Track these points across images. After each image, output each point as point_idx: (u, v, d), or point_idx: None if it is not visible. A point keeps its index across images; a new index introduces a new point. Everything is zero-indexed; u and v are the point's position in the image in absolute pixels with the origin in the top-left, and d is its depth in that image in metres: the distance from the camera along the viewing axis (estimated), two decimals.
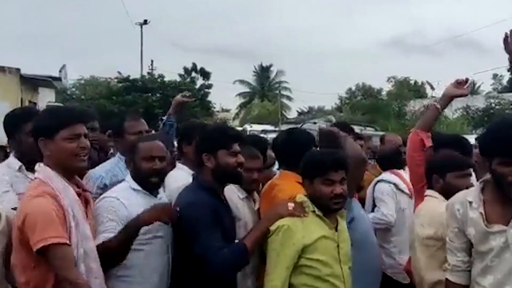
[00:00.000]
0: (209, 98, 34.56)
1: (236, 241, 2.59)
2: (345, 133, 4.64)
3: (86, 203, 2.41)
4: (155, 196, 2.67)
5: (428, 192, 2.94)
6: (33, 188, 2.22)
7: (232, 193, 3.05)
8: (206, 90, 35.28)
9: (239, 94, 51.89)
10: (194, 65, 39.80)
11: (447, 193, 2.73)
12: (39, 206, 2.12)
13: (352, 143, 3.01)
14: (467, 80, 3.21)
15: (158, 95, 27.06)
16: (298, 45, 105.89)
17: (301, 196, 2.55)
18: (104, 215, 2.46)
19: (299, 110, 49.89)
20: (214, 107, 39.44)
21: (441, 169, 2.90)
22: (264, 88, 51.52)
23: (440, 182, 2.88)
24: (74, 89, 36.39)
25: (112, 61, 78.51)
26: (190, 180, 2.83)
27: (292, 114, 49.53)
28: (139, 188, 2.61)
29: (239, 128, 29.78)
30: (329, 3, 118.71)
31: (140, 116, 3.47)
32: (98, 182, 3.07)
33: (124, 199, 2.53)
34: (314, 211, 2.51)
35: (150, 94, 26.50)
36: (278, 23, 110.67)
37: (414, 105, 22.86)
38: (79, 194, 2.34)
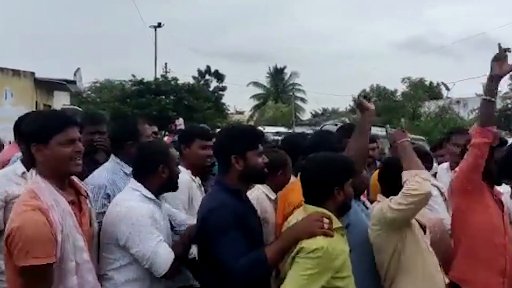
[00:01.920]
0: (223, 101, 34.68)
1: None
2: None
3: (80, 209, 2.33)
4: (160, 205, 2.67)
5: None
6: (25, 200, 2.14)
7: (262, 194, 3.13)
8: (220, 92, 35.35)
9: (253, 96, 51.94)
10: (208, 67, 39.87)
11: None
12: (28, 222, 2.05)
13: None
14: (507, 50, 2.96)
15: (172, 97, 27.14)
16: (312, 47, 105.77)
17: (328, 212, 2.40)
18: (147, 224, 2.43)
19: (313, 112, 49.84)
20: (228, 110, 39.58)
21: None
22: (278, 90, 51.50)
23: None
24: (89, 92, 36.85)
25: (127, 65, 79.09)
26: (191, 182, 2.83)
27: (306, 116, 49.54)
28: (152, 197, 2.57)
29: None
30: (342, 5, 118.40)
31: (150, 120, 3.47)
32: (102, 194, 2.94)
33: (150, 208, 2.52)
34: (340, 227, 2.42)
35: (164, 97, 26.60)
36: (292, 26, 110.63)
37: (429, 106, 22.62)
38: (73, 202, 2.29)
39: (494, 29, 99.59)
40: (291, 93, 49.49)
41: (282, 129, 26.69)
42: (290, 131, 25.95)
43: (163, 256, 2.39)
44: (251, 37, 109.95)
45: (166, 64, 35.43)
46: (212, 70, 40.24)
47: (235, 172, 2.53)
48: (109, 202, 2.85)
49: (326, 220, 2.32)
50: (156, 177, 2.58)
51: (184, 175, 2.97)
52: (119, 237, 2.42)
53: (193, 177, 3.24)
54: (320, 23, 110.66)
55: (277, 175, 3.15)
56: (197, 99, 27.98)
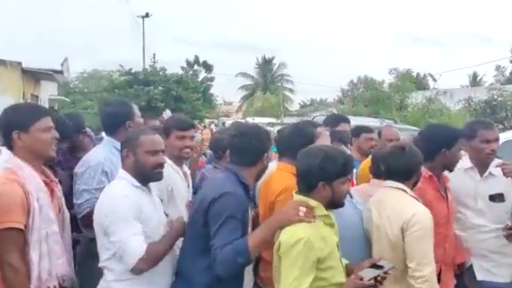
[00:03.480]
0: (211, 91, 34.65)
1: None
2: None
3: (52, 191, 2.56)
4: (150, 192, 2.66)
5: None
6: (3, 176, 2.38)
7: None
8: (209, 83, 35.34)
9: (242, 87, 51.93)
10: (197, 58, 39.82)
11: None
12: (6, 191, 2.31)
13: None
14: None
15: (160, 88, 27.10)
16: (301, 37, 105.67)
17: (312, 201, 2.40)
18: (125, 215, 2.42)
19: (301, 103, 49.96)
20: (217, 100, 39.53)
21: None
22: (267, 80, 51.52)
23: None
24: (77, 83, 36.55)
25: (115, 55, 78.49)
26: (170, 173, 2.90)
27: (294, 107, 49.63)
28: (138, 184, 2.56)
29: (241, 121, 29.90)
30: None
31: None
32: (100, 171, 3.05)
33: (135, 197, 2.50)
34: (326, 216, 2.42)
35: (152, 87, 26.54)
36: (281, 16, 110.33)
37: (416, 97, 22.80)
38: (46, 183, 2.52)
39: (482, 20, 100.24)
40: (279, 84, 49.55)
41: (270, 120, 26.79)
42: (279, 121, 26.07)
43: (133, 249, 2.38)
44: (240, 28, 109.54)
45: (154, 54, 35.28)
46: (201, 60, 40.25)
47: (254, 171, 2.66)
48: (107, 179, 3.00)
49: (303, 208, 2.33)
50: (125, 164, 2.60)
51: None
52: (104, 225, 2.45)
53: (176, 168, 3.24)
54: (309, 14, 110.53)
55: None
56: (186, 90, 27.96)
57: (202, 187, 2.70)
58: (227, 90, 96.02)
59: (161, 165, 2.63)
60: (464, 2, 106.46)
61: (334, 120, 4.95)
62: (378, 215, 2.82)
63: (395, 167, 2.88)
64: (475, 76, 42.40)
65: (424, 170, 3.10)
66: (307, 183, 2.43)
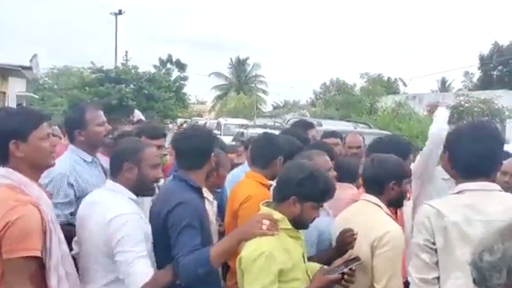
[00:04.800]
0: (185, 91, 34.34)
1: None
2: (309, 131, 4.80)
3: None
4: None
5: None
6: (12, 196, 2.13)
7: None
8: (182, 82, 34.99)
9: (215, 87, 51.78)
10: (170, 56, 39.43)
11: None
12: (26, 215, 2.07)
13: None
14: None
15: (132, 86, 26.79)
16: (275, 39, 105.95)
17: (277, 214, 2.37)
18: (137, 233, 2.34)
19: (274, 104, 50.10)
20: (190, 100, 39.24)
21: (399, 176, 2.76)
22: (240, 81, 51.49)
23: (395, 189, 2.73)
24: (46, 79, 35.79)
25: (87, 52, 77.17)
26: None
27: (267, 108, 49.76)
28: (135, 197, 2.51)
29: (214, 121, 29.83)
30: None
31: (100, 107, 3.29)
32: (65, 183, 2.87)
33: (139, 214, 2.44)
34: (290, 229, 2.38)
35: (123, 86, 26.21)
36: (256, 17, 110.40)
37: (386, 101, 23.18)
38: None
39: (450, 26, 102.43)
40: (253, 85, 49.60)
41: (243, 121, 26.75)
42: (251, 123, 26.09)
43: (139, 272, 2.29)
44: (214, 27, 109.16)
45: (126, 52, 34.90)
46: (174, 59, 39.85)
47: (203, 173, 2.66)
48: (73, 191, 2.86)
49: (266, 221, 2.29)
50: (123, 176, 2.49)
51: None
52: (111, 243, 2.32)
53: None
54: (284, 16, 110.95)
55: (210, 176, 3.08)
56: (158, 89, 27.70)
57: (156, 200, 2.65)
58: (200, 89, 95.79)
59: (158, 180, 2.67)
60: (436, 8, 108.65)
61: (302, 126, 5.01)
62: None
63: (366, 179, 2.83)
64: (444, 81, 43.33)
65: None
66: (281, 193, 2.41)
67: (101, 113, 3.15)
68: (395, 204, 2.81)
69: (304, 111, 26.42)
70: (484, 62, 34.59)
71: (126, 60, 31.89)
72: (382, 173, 2.74)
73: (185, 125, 29.35)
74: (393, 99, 23.99)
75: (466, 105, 22.45)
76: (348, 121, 12.91)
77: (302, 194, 2.35)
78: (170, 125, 26.67)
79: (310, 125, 5.16)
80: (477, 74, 37.62)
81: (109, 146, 3.09)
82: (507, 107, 22.17)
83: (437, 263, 2.18)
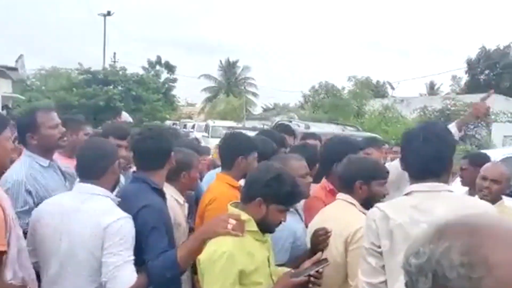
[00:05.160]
0: (174, 92, 34.25)
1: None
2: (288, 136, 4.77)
3: None
4: None
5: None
6: None
7: (171, 199, 3.00)
8: (171, 84, 34.90)
9: (205, 89, 51.67)
10: (159, 58, 39.28)
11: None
12: None
13: None
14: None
15: (119, 88, 26.68)
16: (265, 42, 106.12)
17: (244, 214, 2.31)
18: (129, 239, 2.33)
19: (264, 107, 50.06)
20: (179, 102, 39.13)
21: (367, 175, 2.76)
22: (230, 83, 51.43)
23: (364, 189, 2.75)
24: (34, 80, 35.53)
25: (76, 53, 76.72)
26: None
27: (257, 110, 49.70)
28: (116, 199, 2.51)
29: (202, 123, 29.76)
30: (298, 2, 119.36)
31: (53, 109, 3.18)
32: (23, 190, 2.73)
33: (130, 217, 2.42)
34: (256, 231, 2.32)
35: (111, 87, 26.10)
36: (246, 19, 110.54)
37: (373, 105, 23.28)
38: None
39: (440, 30, 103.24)
40: (242, 87, 49.55)
41: (231, 123, 26.70)
42: (240, 125, 26.07)
43: (125, 276, 2.26)
44: (204, 29, 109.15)
45: (114, 53, 34.78)
46: (163, 61, 39.68)
47: (163, 173, 2.63)
48: (31, 198, 2.74)
49: (232, 221, 2.25)
50: (109, 179, 2.48)
51: None
52: (100, 247, 2.29)
53: None
54: (274, 18, 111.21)
55: (180, 177, 3.10)
56: (146, 90, 27.61)
57: (119, 204, 2.56)
58: (190, 91, 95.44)
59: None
60: (426, 13, 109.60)
61: (283, 131, 4.93)
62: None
63: (338, 177, 2.85)
64: (432, 85, 43.63)
65: (325, 182, 3.14)
66: (248, 193, 2.36)
67: (54, 115, 3.03)
68: (366, 206, 2.74)
69: (293, 114, 26.43)
70: (472, 66, 34.88)
71: (114, 62, 31.74)
72: (349, 172, 2.80)
73: (174, 127, 29.40)
74: (380, 102, 24.12)
75: (453, 108, 22.62)
76: (337, 123, 12.81)
77: (267, 195, 2.29)
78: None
79: (288, 131, 5.06)
80: (464, 78, 37.93)
81: (66, 148, 3.05)
82: (492, 111, 22.37)
83: (383, 266, 2.15)
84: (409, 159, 2.26)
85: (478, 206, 2.19)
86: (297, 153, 3.29)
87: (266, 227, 2.35)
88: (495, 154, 5.25)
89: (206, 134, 23.07)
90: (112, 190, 2.53)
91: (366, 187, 2.75)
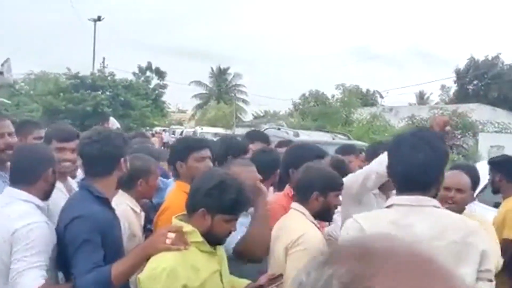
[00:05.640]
0: (164, 99, 34.17)
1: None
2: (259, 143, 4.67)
3: None
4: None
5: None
6: None
7: (127, 208, 2.89)
8: (161, 90, 34.83)
9: (195, 96, 51.66)
10: (149, 64, 39.28)
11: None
12: None
13: None
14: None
15: (108, 93, 26.50)
16: (256, 49, 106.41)
17: (188, 226, 2.19)
18: (38, 244, 2.23)
19: (255, 114, 50.11)
20: (169, 108, 39.05)
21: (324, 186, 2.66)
22: (221, 90, 51.45)
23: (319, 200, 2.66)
24: (23, 84, 35.29)
25: (66, 57, 76.36)
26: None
27: (248, 118, 49.75)
28: (43, 204, 2.44)
29: (191, 130, 29.66)
30: (289, 9, 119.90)
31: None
32: None
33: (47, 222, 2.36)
34: (201, 242, 2.20)
35: (99, 92, 25.92)
36: (237, 26, 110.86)
37: (361, 113, 23.33)
38: None
39: (428, 39, 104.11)
40: (233, 94, 49.58)
41: (220, 130, 26.67)
42: (227, 132, 26.01)
43: (24, 284, 2.16)
44: (195, 36, 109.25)
45: (104, 58, 34.61)
46: (154, 67, 39.69)
47: (112, 180, 2.46)
48: None
49: (171, 235, 2.13)
50: (40, 184, 2.40)
51: None
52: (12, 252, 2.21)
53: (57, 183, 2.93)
54: (265, 26, 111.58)
55: (137, 184, 2.97)
56: (135, 96, 27.47)
57: (60, 212, 2.45)
58: (181, 98, 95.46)
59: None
60: (417, 21, 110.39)
61: (250, 138, 4.74)
62: (272, 241, 2.64)
63: (295, 186, 2.76)
64: (422, 94, 43.84)
65: (288, 189, 3.04)
66: (191, 204, 2.24)
67: (2, 124, 2.94)
68: (321, 217, 2.71)
69: (281, 122, 26.41)
70: (460, 76, 35.11)
71: (103, 67, 31.58)
72: (307, 182, 2.68)
73: (163, 133, 29.26)
74: (369, 111, 24.17)
75: None
76: (327, 131, 12.54)
77: (210, 205, 2.17)
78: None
79: (261, 138, 4.79)
80: (453, 87, 38.15)
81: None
82: (479, 121, 22.49)
83: None
84: (395, 167, 2.06)
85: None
86: (257, 159, 3.22)
87: (213, 239, 2.23)
88: (482, 166, 5.09)
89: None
90: (44, 197, 2.43)
91: (323, 198, 2.66)
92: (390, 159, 2.10)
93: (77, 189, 3.26)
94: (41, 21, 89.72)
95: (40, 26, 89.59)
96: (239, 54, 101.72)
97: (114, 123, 21.02)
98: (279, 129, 11.30)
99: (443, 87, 40.02)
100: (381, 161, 2.84)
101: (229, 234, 2.28)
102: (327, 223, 3.11)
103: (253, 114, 51.02)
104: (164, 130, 32.69)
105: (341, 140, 9.94)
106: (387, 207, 2.05)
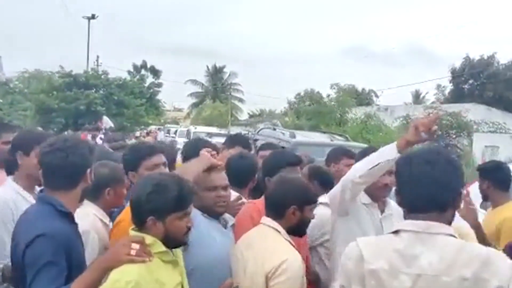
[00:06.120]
0: (159, 97, 33.99)
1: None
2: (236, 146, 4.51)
3: None
4: None
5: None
6: None
7: (96, 219, 2.74)
8: (156, 88, 34.67)
9: (191, 94, 51.54)
10: (144, 62, 39.13)
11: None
12: None
13: None
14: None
15: (101, 92, 26.30)
16: (252, 47, 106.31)
17: (148, 237, 2.10)
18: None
19: (251, 113, 49.98)
20: (164, 106, 38.82)
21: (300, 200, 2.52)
22: (217, 89, 51.32)
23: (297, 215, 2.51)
24: (17, 82, 35.09)
25: (60, 55, 76.10)
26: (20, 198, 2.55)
27: (244, 116, 49.63)
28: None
29: (184, 129, 29.49)
30: (285, 8, 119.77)
31: None
32: None
33: None
34: (164, 252, 2.13)
35: (93, 91, 25.72)
36: (233, 25, 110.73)
37: (356, 113, 23.23)
38: None
39: (421, 38, 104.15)
40: (229, 93, 49.45)
41: (214, 129, 26.52)
42: (221, 132, 25.88)
43: None
44: (192, 34, 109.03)
45: (98, 57, 34.44)
46: (149, 65, 39.53)
47: (76, 194, 2.26)
48: None
49: (135, 246, 2.02)
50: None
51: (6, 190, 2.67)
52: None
53: (25, 193, 2.77)
54: (261, 25, 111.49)
55: (104, 194, 2.82)
56: (129, 95, 27.28)
57: (15, 229, 2.27)
58: (177, 96, 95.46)
59: None
60: (414, 21, 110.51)
61: (230, 142, 4.44)
62: (242, 258, 2.48)
63: (267, 200, 2.57)
64: (417, 94, 43.79)
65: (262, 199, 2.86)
66: (136, 217, 2.13)
67: None
68: (296, 232, 2.55)
69: (276, 121, 26.30)
70: (456, 75, 35.04)
71: (98, 65, 31.40)
72: (282, 196, 2.51)
73: (157, 132, 29.10)
74: (364, 110, 24.07)
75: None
76: (324, 132, 12.17)
77: (156, 210, 2.08)
78: (138, 133, 26.15)
79: (239, 142, 4.43)
80: (449, 87, 38.08)
81: None
82: (474, 121, 22.43)
83: None
84: (407, 185, 1.84)
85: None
86: (233, 164, 3.10)
87: (173, 241, 2.14)
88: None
89: (187, 140, 22.87)
90: None
91: (299, 212, 2.50)
92: (400, 177, 1.88)
93: None
94: (35, 19, 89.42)
95: (35, 24, 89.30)
96: (235, 53, 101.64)
97: (107, 122, 20.86)
98: (274, 129, 11.13)
99: (438, 86, 39.99)
100: (357, 168, 2.75)
101: (188, 231, 2.17)
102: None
103: (249, 113, 50.94)
104: (159, 129, 32.54)
105: (340, 141, 9.62)
106: (394, 232, 1.83)
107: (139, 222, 2.13)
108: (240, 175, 3.20)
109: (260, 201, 2.97)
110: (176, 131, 28.96)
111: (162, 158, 2.91)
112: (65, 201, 2.21)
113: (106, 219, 2.85)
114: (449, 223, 1.80)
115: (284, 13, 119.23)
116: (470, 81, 35.48)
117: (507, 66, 33.26)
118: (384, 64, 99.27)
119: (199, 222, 2.46)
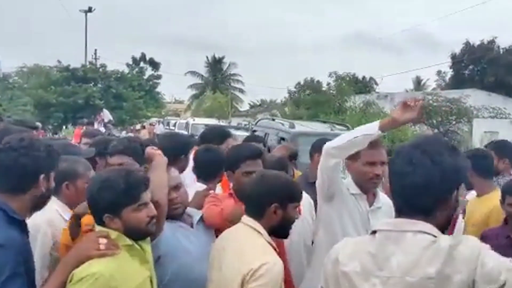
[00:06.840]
0: (159, 89, 33.92)
1: None
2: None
3: None
4: None
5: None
6: None
7: (56, 215, 2.64)
8: (155, 81, 34.54)
9: (191, 86, 51.39)
10: (143, 55, 38.93)
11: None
12: None
13: None
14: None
15: (99, 85, 26.30)
16: (252, 37, 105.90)
17: (113, 232, 2.08)
18: None
19: (251, 103, 49.94)
20: (164, 99, 38.75)
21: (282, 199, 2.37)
22: (217, 80, 51.14)
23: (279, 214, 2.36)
24: (16, 78, 35.12)
25: (60, 50, 76.02)
26: None
27: (244, 107, 49.58)
28: None
29: (183, 121, 29.40)
30: None
31: None
32: None
33: None
34: (131, 245, 2.11)
35: (91, 85, 25.72)
36: (232, 15, 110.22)
37: (355, 101, 23.05)
38: None
39: (421, 24, 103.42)
40: (229, 84, 49.34)
41: (213, 121, 26.43)
42: (219, 122, 25.80)
43: None
44: (190, 25, 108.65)
45: (96, 50, 34.33)
46: (148, 57, 39.30)
47: (26, 200, 2.06)
48: None
49: (103, 240, 2.01)
50: None
51: None
52: None
53: None
54: (261, 14, 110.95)
55: (62, 188, 2.69)
56: (128, 88, 27.25)
57: None
58: (178, 88, 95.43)
59: None
60: (411, 6, 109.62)
61: (219, 136, 4.21)
62: (218, 257, 2.38)
63: (247, 197, 2.42)
64: (418, 80, 43.55)
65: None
66: (94, 216, 2.13)
67: None
68: (278, 233, 2.41)
69: (275, 111, 26.21)
70: (456, 61, 34.80)
71: (96, 59, 31.32)
72: (263, 193, 2.34)
73: (156, 125, 28.98)
74: (364, 98, 23.88)
75: (435, 104, 22.42)
76: (325, 122, 11.77)
77: (110, 206, 2.07)
78: (138, 125, 26.10)
79: (227, 135, 4.29)
80: (449, 73, 37.85)
81: None
82: (474, 106, 22.25)
83: None
84: (392, 185, 1.74)
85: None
86: (199, 158, 3.06)
87: (137, 234, 2.13)
88: None
89: (186, 132, 22.81)
90: None
91: (281, 211, 2.33)
92: (389, 175, 1.77)
93: None
94: (32, 14, 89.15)
95: (32, 19, 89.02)
96: (235, 43, 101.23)
97: (107, 115, 20.79)
98: (273, 119, 11.00)
99: (439, 72, 39.75)
100: (337, 138, 2.72)
101: (150, 220, 2.13)
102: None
103: (249, 104, 50.86)
104: (159, 122, 32.49)
105: (340, 131, 9.13)
106: (372, 232, 1.74)
107: (99, 220, 2.13)
108: (207, 168, 3.18)
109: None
110: (175, 123, 28.86)
111: (123, 158, 2.89)
112: (16, 207, 2.04)
113: (66, 216, 2.66)
114: (442, 226, 1.66)
115: (284, 2, 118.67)
116: (471, 67, 35.25)
117: (507, 50, 33.01)
118: (385, 51, 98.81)
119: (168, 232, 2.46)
